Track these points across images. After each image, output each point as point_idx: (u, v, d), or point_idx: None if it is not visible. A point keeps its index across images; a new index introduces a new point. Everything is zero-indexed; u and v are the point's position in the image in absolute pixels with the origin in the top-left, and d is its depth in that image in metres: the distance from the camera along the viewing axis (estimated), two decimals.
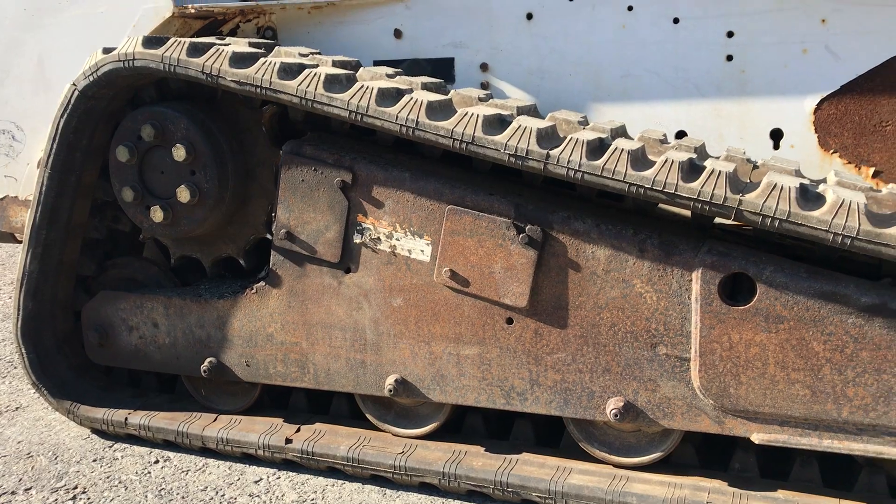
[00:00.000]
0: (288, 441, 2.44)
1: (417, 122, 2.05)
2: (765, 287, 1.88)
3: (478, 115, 2.02)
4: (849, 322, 1.83)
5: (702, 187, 1.83)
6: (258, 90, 2.19)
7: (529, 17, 2.52)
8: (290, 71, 2.20)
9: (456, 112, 2.11)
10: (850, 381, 1.86)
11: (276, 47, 2.51)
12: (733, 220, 1.83)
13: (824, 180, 2.09)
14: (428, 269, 2.21)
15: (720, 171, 1.84)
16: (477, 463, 2.25)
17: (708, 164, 1.92)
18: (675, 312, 1.99)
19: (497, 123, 2.07)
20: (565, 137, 1.98)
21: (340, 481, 2.39)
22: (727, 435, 2.02)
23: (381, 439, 2.41)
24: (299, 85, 2.15)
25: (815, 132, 2.27)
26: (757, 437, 1.98)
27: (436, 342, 2.24)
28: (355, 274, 2.30)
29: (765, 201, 1.79)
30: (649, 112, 2.43)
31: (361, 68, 2.44)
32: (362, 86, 2.12)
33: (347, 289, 2.31)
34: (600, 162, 1.91)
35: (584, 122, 2.27)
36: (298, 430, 2.49)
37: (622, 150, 1.91)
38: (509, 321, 2.16)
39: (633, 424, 2.12)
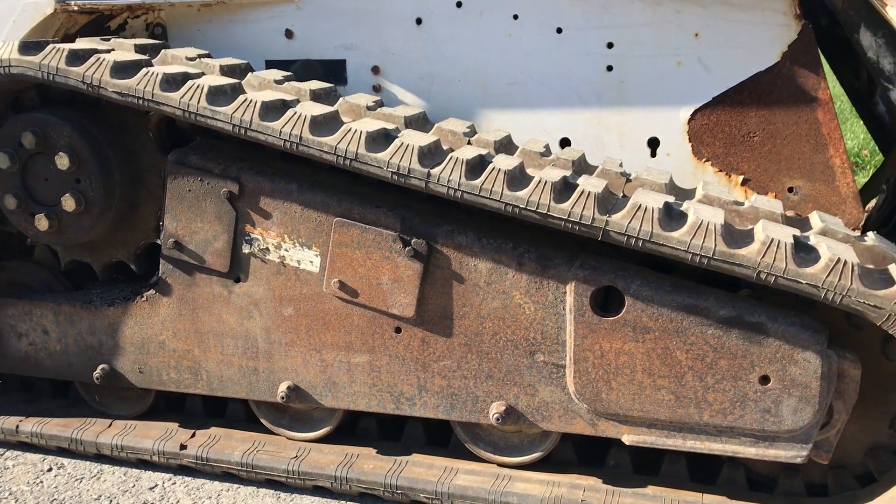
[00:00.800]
0: (183, 447, 2.46)
1: (301, 138, 2.07)
2: (632, 300, 1.98)
3: (361, 132, 2.05)
4: (708, 333, 1.95)
5: (572, 208, 1.91)
6: (141, 102, 2.16)
7: (419, 21, 2.54)
8: (173, 82, 2.18)
9: (342, 124, 2.13)
10: (710, 388, 1.98)
11: (163, 51, 2.47)
12: (601, 239, 1.92)
13: (695, 191, 2.20)
14: (317, 280, 2.24)
15: (589, 193, 1.92)
16: (368, 466, 2.33)
17: (581, 182, 2.00)
18: (552, 322, 2.09)
19: (381, 139, 2.10)
20: (447, 154, 2.03)
21: (235, 485, 2.43)
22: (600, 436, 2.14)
23: (276, 443, 2.45)
24: (182, 97, 2.13)
25: (690, 141, 2.38)
26: (627, 439, 2.10)
27: (327, 350, 2.29)
28: (245, 283, 2.32)
29: (629, 222, 1.88)
30: (535, 119, 2.50)
31: (250, 74, 2.43)
32: (246, 99, 2.12)
33: (238, 298, 2.33)
34: (478, 182, 1.97)
35: (471, 133, 2.32)
36: (194, 435, 2.51)
37: (499, 169, 1.97)
38: (397, 330, 2.22)
39: (515, 427, 2.22)
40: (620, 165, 2.28)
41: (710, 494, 2.14)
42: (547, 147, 2.33)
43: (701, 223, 1.86)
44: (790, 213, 2.32)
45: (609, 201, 1.96)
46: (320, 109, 2.15)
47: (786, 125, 2.29)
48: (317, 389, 2.34)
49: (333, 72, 2.66)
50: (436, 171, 2.00)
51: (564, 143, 2.49)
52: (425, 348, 2.21)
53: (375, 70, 2.62)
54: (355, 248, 2.18)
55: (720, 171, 2.38)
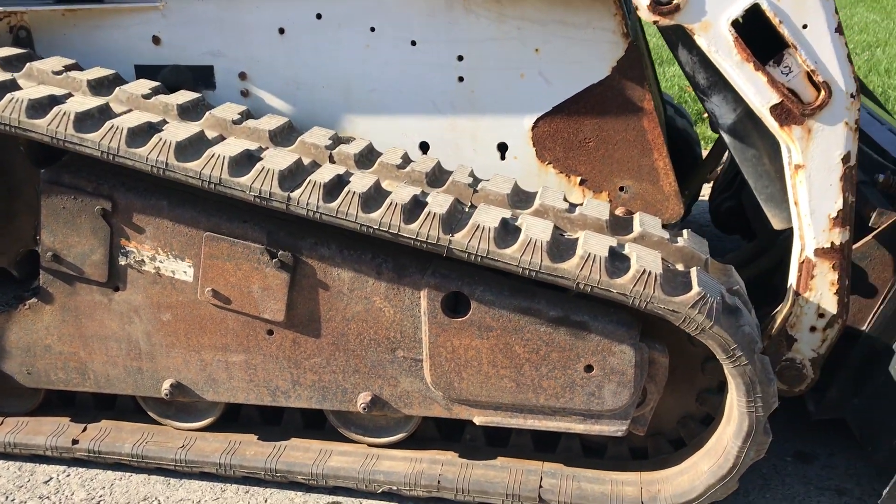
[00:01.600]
0: (75, 441, 2.63)
1: (167, 164, 2.20)
2: (477, 303, 2.25)
3: (224, 157, 2.20)
4: (541, 330, 2.24)
5: (419, 228, 2.14)
6: (7, 128, 2.25)
7: (282, 31, 2.65)
8: (39, 107, 2.27)
9: (208, 146, 2.28)
10: (545, 376, 2.29)
11: (28, 65, 2.52)
12: (446, 256, 2.16)
13: (535, 196, 2.46)
14: (192, 288, 2.42)
15: (435, 214, 2.15)
16: (250, 452, 2.56)
17: (430, 200, 2.23)
18: (409, 323, 2.33)
19: (245, 161, 2.26)
20: (307, 177, 2.21)
21: (128, 474, 2.63)
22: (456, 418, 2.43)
23: (165, 434, 2.65)
24: (49, 125, 2.23)
25: (534, 146, 2.62)
26: (478, 420, 2.40)
27: (205, 351, 2.48)
28: (124, 292, 2.47)
29: (469, 241, 2.12)
30: (395, 124, 2.68)
31: (118, 89, 2.51)
32: (113, 125, 2.23)
33: (118, 305, 2.48)
34: (335, 205, 2.17)
35: (334, 144, 2.49)
36: (85, 429, 2.68)
37: (354, 192, 2.17)
38: (270, 332, 2.43)
39: (381, 413, 2.49)
40: (471, 175, 2.50)
41: (550, 462, 2.48)
42: (405, 157, 2.52)
43: (530, 241, 2.12)
44: (620, 211, 2.62)
45: (454, 219, 2.19)
46: (186, 132, 2.29)
47: (616, 132, 2.56)
48: (198, 386, 2.54)
49: (202, 77, 2.76)
50: (295, 194, 2.18)
51: (424, 146, 2.69)
52: (296, 348, 2.43)
53: (242, 76, 2.73)
54: (226, 260, 2.35)
55: (561, 172, 2.64)
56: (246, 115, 2.57)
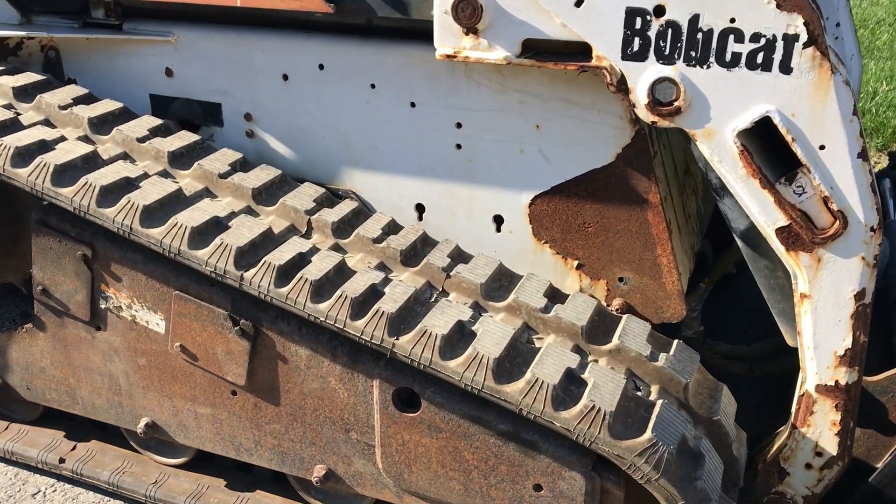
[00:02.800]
0: (62, 460, 2.75)
1: (131, 229, 2.20)
2: (427, 403, 2.14)
3: (186, 227, 2.17)
4: (491, 441, 2.12)
5: (364, 327, 2.04)
6: None
7: (286, 77, 2.57)
8: (26, 155, 2.30)
9: (186, 200, 2.26)
10: (493, 486, 2.17)
11: (38, 97, 2.57)
12: (389, 357, 2.06)
13: (518, 280, 2.30)
14: (164, 340, 2.43)
15: (383, 313, 2.04)
16: (214, 499, 2.59)
17: (387, 290, 2.13)
18: (362, 408, 2.26)
19: (211, 229, 2.22)
20: (264, 256, 2.15)
21: (108, 499, 2.73)
22: None
23: (143, 465, 2.73)
24: (29, 176, 2.26)
25: (530, 223, 2.44)
26: None
27: (176, 398, 2.51)
28: (105, 332, 2.51)
29: (413, 347, 2.01)
30: (393, 183, 2.57)
31: (115, 130, 2.52)
32: (87, 182, 2.24)
33: (100, 343, 2.54)
34: (285, 290, 2.10)
35: (318, 206, 2.42)
36: (74, 447, 2.79)
37: (306, 279, 2.09)
38: (234, 393, 2.42)
39: (336, 486, 2.45)
40: (452, 253, 2.36)
41: None
42: (388, 227, 2.41)
43: (476, 356, 1.98)
44: (616, 304, 2.42)
45: (404, 318, 2.08)
46: (159, 192, 2.27)
47: (618, 220, 2.35)
48: (171, 428, 2.58)
49: (210, 113, 2.73)
50: (248, 274, 2.13)
51: (420, 208, 2.57)
52: (258, 411, 2.41)
53: (248, 117, 2.68)
54: (193, 320, 2.34)
55: (557, 253, 2.46)
56: (238, 166, 2.53)
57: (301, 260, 2.18)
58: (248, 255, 2.17)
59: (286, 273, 2.13)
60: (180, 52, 2.68)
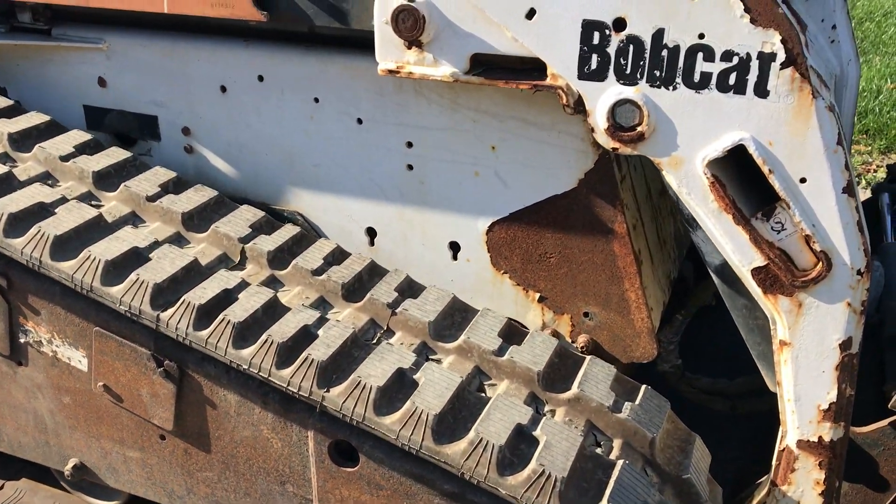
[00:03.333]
0: None
1: (41, 262, 1.99)
2: (366, 458, 1.93)
3: (100, 261, 1.96)
4: (435, 502, 1.91)
5: (291, 377, 1.83)
6: None
7: (223, 89, 2.36)
8: None
9: (104, 228, 2.06)
10: None
11: None
12: (319, 411, 1.85)
13: (473, 316, 2.09)
14: (87, 378, 2.22)
15: (313, 360, 1.83)
16: None
17: (321, 333, 1.92)
18: (297, 460, 2.05)
19: (132, 259, 2.01)
20: (184, 293, 1.94)
21: None
22: None
23: None
24: None
25: (489, 251, 2.23)
26: None
27: (104, 440, 2.30)
28: (27, 368, 2.31)
29: (344, 401, 1.80)
30: (340, 204, 2.35)
31: (37, 147, 2.31)
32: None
33: (23, 379, 2.33)
34: (205, 333, 1.89)
35: (255, 232, 2.21)
36: (2, 486, 2.60)
37: (228, 321, 1.88)
38: (162, 437, 2.21)
39: None
40: (401, 287, 2.15)
41: None
42: (330, 256, 2.19)
43: (415, 412, 1.77)
44: (581, 341, 2.21)
45: (337, 367, 1.87)
46: (73, 221, 2.06)
47: (581, 251, 2.13)
48: (101, 471, 2.37)
49: (147, 127, 2.52)
50: (165, 315, 1.92)
51: (371, 232, 2.36)
52: (188, 458, 2.20)
53: (186, 131, 2.47)
54: (115, 359, 2.14)
55: (518, 284, 2.24)
56: (171, 186, 2.32)
57: (226, 297, 1.97)
58: (168, 292, 1.96)
59: (208, 313, 1.92)
60: (113, 61, 2.46)
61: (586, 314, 2.20)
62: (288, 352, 1.87)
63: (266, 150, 2.38)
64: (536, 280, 2.22)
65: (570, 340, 2.24)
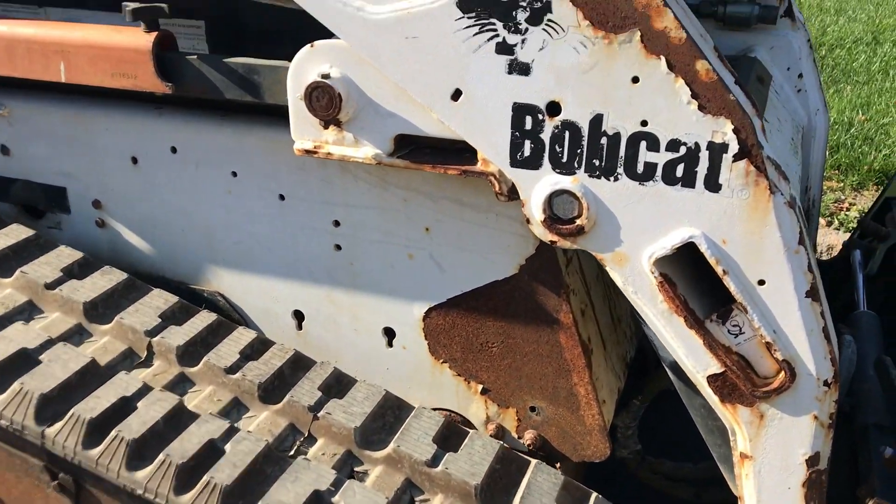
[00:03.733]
0: None
1: None
2: None
3: None
4: None
5: (193, 501, 1.62)
6: None
7: (135, 161, 2.15)
8: None
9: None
10: None
11: None
12: None
13: (408, 414, 1.89)
14: None
15: (216, 485, 1.62)
16: None
17: (228, 448, 1.70)
18: None
19: (19, 364, 1.79)
20: (72, 406, 1.72)
21: None
22: None
23: None
24: None
25: (426, 339, 2.03)
26: None
27: None
28: None
29: None
30: (264, 285, 2.15)
31: None
32: None
33: None
34: (95, 453, 1.67)
35: (164, 323, 1.99)
36: None
37: (122, 438, 1.67)
38: None
39: None
40: (328, 382, 1.94)
41: None
42: (248, 349, 1.99)
43: None
44: (528, 438, 2.01)
45: (245, 491, 1.65)
46: None
47: (525, 342, 1.93)
48: None
49: (55, 199, 2.30)
50: (52, 431, 1.70)
51: (298, 315, 2.15)
52: None
53: (97, 204, 2.25)
54: (6, 470, 1.91)
55: (459, 375, 2.04)
56: (75, 269, 2.10)
57: (124, 407, 1.75)
58: (57, 402, 1.74)
59: (100, 427, 1.70)
60: (16, 128, 2.25)
61: (533, 409, 2.00)
62: (189, 473, 1.65)
63: (183, 225, 2.17)
64: (478, 371, 2.02)
65: (516, 436, 2.04)
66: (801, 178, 2.95)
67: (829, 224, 4.74)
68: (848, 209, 4.93)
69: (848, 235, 4.61)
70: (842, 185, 5.18)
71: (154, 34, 1.84)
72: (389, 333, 2.08)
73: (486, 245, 1.87)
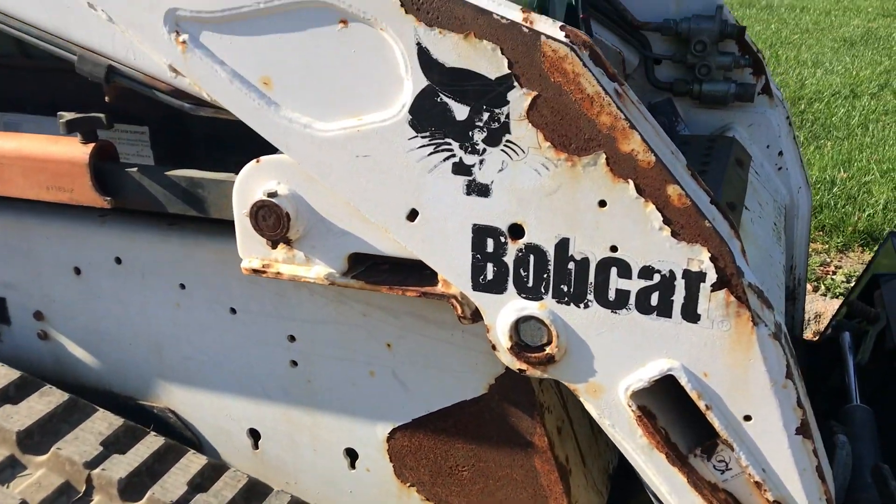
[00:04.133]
0: None
1: None
2: None
3: None
4: None
5: None
6: None
7: (78, 271, 2.02)
8: None
9: None
10: None
11: None
12: None
13: None
14: None
15: None
16: None
17: None
18: None
19: None
20: None
21: None
22: None
23: None
24: None
25: (391, 461, 1.88)
26: None
27: None
28: None
29: None
30: (217, 402, 2.00)
31: None
32: None
33: None
34: None
35: (107, 451, 1.84)
36: None
37: None
38: None
39: None
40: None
41: None
42: (198, 478, 1.83)
43: None
44: None
45: None
46: None
47: (498, 466, 1.79)
48: None
49: None
50: None
51: (254, 434, 2.00)
52: None
53: (38, 315, 2.11)
54: None
55: (427, 499, 1.89)
56: (10, 392, 1.95)
57: None
58: None
59: None
60: None
61: None
62: None
63: (130, 339, 2.03)
64: (448, 496, 1.87)
65: None
66: (786, 257, 2.85)
67: (816, 289, 4.64)
68: (834, 272, 4.84)
69: (835, 302, 4.51)
70: (827, 246, 5.09)
71: (92, 145, 1.72)
72: (352, 454, 1.93)
73: (452, 363, 1.74)
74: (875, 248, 5.09)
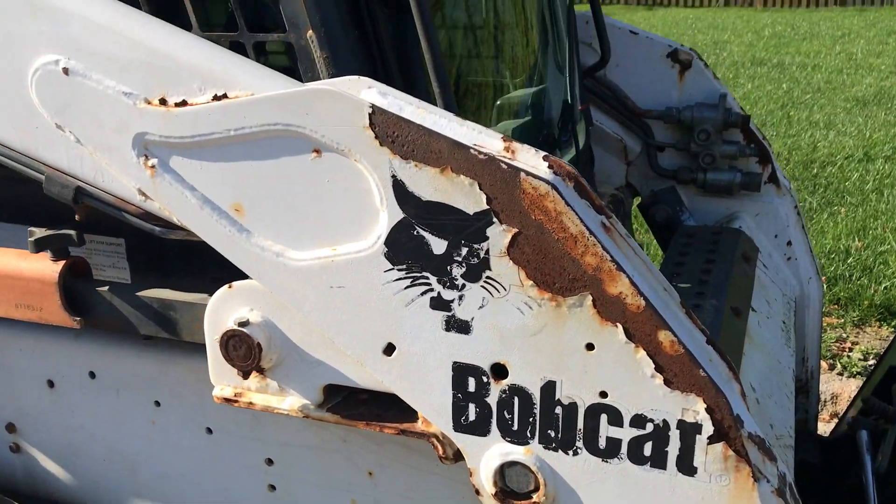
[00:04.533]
0: None
1: None
2: None
3: None
4: None
5: None
6: None
7: (51, 384, 1.93)
8: None
9: None
10: None
11: None
12: None
13: None
14: None
15: None
16: None
17: None
18: None
19: None
20: None
21: None
22: None
23: None
24: None
25: None
26: None
27: None
28: None
29: None
30: None
31: None
32: None
33: None
34: None
35: None
36: None
37: None
38: None
39: None
40: None
41: None
42: None
43: None
44: None
45: None
46: None
47: None
48: None
49: None
50: None
51: None
52: None
53: (10, 428, 2.02)
54: None
55: None
56: None
57: None
58: None
59: None
60: None
61: None
62: None
63: (104, 455, 1.94)
64: None
65: None
66: (797, 349, 2.73)
67: (832, 368, 4.49)
68: (850, 349, 4.69)
69: (851, 383, 4.35)
70: (842, 321, 4.95)
71: (62, 262, 1.65)
72: None
73: (437, 494, 1.63)
74: (894, 325, 4.95)
